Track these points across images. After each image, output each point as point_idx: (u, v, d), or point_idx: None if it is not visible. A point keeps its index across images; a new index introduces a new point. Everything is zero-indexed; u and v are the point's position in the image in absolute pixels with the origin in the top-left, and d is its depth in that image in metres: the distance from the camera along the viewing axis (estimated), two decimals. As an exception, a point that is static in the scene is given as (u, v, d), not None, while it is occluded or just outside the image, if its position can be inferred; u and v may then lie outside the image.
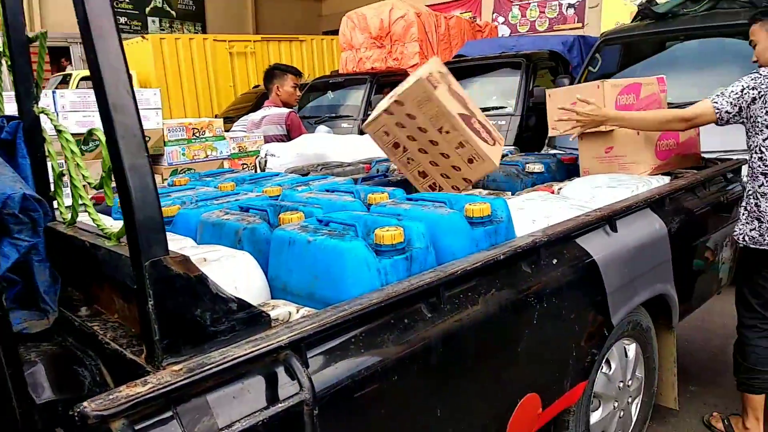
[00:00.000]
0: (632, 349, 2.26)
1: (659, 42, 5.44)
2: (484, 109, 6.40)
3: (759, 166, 2.30)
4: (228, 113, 9.22)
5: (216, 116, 9.31)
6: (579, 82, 5.49)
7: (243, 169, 3.42)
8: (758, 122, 2.26)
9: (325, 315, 1.11)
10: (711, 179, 2.68)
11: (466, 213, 1.59)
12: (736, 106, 2.28)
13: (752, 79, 2.26)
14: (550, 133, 2.90)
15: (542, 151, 4.99)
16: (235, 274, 1.36)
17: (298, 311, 1.29)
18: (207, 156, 3.37)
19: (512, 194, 2.61)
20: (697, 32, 5.05)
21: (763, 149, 2.27)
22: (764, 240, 2.30)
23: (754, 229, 2.32)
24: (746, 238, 2.36)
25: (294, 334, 1.02)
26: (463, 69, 7.04)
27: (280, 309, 1.27)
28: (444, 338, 1.34)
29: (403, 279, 1.34)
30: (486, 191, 2.64)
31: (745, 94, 2.25)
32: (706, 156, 3.01)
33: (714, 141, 3.22)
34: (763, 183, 2.29)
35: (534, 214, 1.88)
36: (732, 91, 2.29)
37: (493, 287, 1.50)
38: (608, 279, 1.88)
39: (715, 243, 2.70)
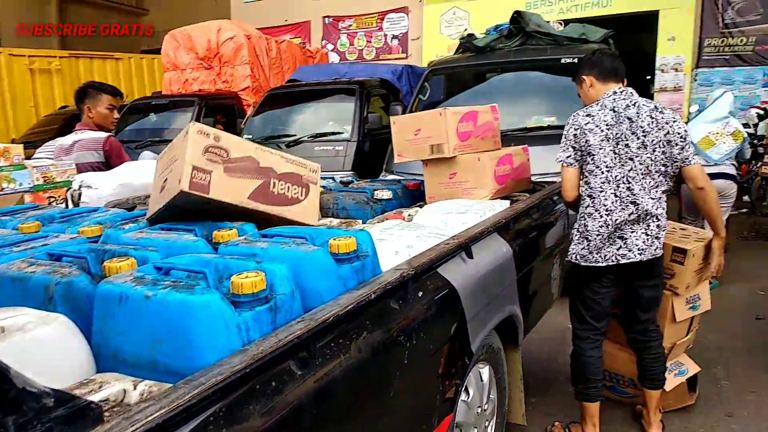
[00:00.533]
0: (486, 372, 2.27)
1: (480, 73, 5.86)
2: (320, 135, 6.50)
3: (585, 190, 2.50)
4: (28, 137, 8.05)
5: (13, 141, 8.08)
6: (411, 109, 5.71)
7: (51, 204, 2.91)
8: (583, 152, 2.46)
9: (176, 394, 0.88)
10: (542, 202, 2.87)
11: (331, 249, 1.45)
12: (570, 148, 2.51)
13: (572, 118, 2.50)
14: (396, 160, 2.89)
15: (381, 177, 5.06)
16: (46, 347, 1.05)
17: (135, 387, 1.03)
18: (2, 189, 2.81)
19: (363, 222, 2.54)
20: (512, 65, 5.54)
21: (587, 174, 2.48)
22: (592, 257, 2.49)
23: (584, 248, 2.51)
24: (577, 257, 2.54)
25: (137, 428, 0.78)
26: (298, 94, 6.96)
27: (111, 388, 1.01)
28: (316, 396, 1.17)
29: (268, 333, 1.15)
30: (337, 220, 2.53)
31: (569, 132, 2.47)
32: (534, 179, 3.24)
33: (538, 165, 3.48)
34: (588, 205, 2.48)
35: (395, 245, 1.81)
36: (564, 136, 2.52)
37: (365, 330, 1.37)
38: (468, 307, 1.87)
39: (549, 261, 2.89)
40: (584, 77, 2.55)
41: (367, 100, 6.72)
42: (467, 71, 5.89)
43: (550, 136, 4.46)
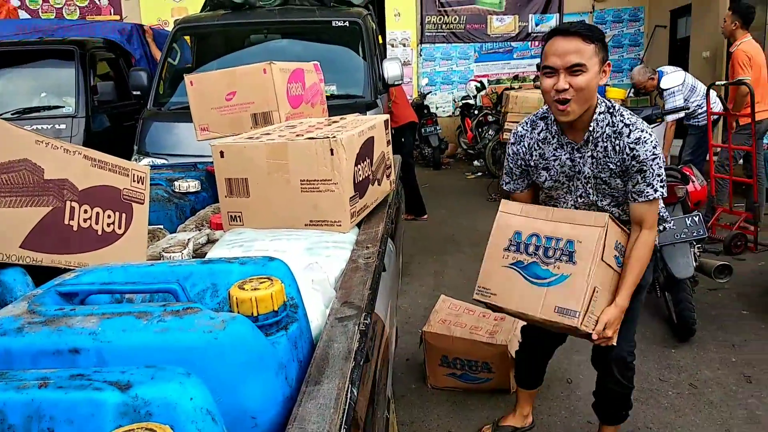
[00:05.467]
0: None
1: (240, 34, 5.07)
2: (31, 110, 4.91)
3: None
4: None
5: None
6: (160, 76, 4.64)
7: None
8: None
9: None
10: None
11: (243, 309, 0.72)
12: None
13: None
14: (200, 136, 2.07)
15: (133, 160, 3.97)
16: None
17: None
18: None
19: (170, 231, 1.72)
20: (278, 26, 4.90)
21: None
22: None
23: None
24: None
25: None
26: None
27: None
28: None
29: None
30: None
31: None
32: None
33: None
34: None
35: (297, 264, 1.11)
36: None
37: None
38: (390, 342, 1.30)
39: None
40: None
41: (92, 65, 5.33)
42: (224, 31, 5.03)
43: (332, 105, 4.01)
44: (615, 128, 1.78)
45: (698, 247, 3.46)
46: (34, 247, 0.92)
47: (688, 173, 3.76)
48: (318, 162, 1.34)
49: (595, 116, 1.78)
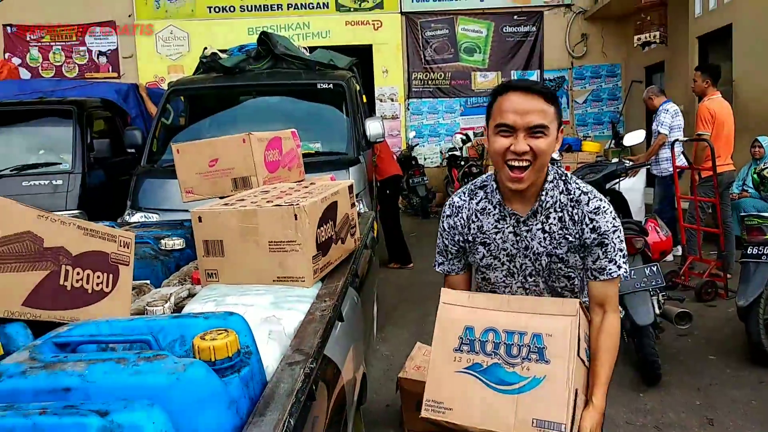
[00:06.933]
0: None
1: (231, 95, 5.36)
2: (30, 166, 5.13)
3: None
4: None
5: None
6: (154, 135, 4.90)
7: None
8: None
9: None
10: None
11: (202, 356, 0.90)
12: None
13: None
14: (185, 198, 2.28)
15: (126, 216, 4.16)
16: None
17: None
18: None
19: (155, 286, 1.90)
20: (266, 89, 5.19)
21: None
22: None
23: None
24: None
25: None
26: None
27: None
28: None
29: None
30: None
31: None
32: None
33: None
34: None
35: (254, 318, 1.29)
36: None
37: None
38: (347, 380, 1.46)
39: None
40: None
41: (89, 124, 5.59)
42: (216, 93, 5.32)
43: (317, 162, 4.25)
44: (571, 196, 1.57)
45: (662, 295, 3.65)
46: (34, 304, 1.10)
47: (653, 224, 3.99)
48: (284, 225, 1.53)
49: (545, 185, 1.56)
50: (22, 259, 1.10)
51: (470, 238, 1.64)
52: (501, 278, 1.65)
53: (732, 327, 4.18)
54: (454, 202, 1.68)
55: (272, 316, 1.25)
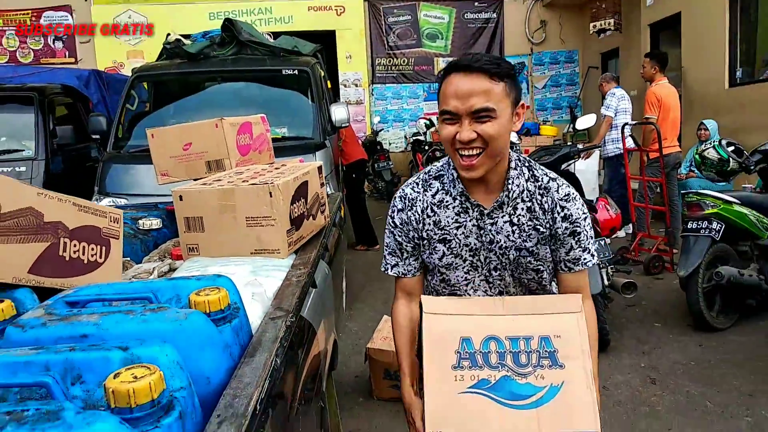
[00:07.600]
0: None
1: (196, 82, 5.39)
2: (-8, 154, 5.08)
3: None
4: None
5: None
6: (119, 121, 4.91)
7: None
8: None
9: None
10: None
11: (199, 308, 1.04)
12: None
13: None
14: (161, 181, 2.39)
15: (94, 200, 4.20)
16: None
17: None
18: None
19: (136, 262, 2.01)
20: (231, 74, 5.25)
21: None
22: None
23: None
24: None
25: None
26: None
27: None
28: None
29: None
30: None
31: None
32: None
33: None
34: None
35: (237, 283, 1.44)
36: None
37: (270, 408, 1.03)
38: (321, 344, 1.62)
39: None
40: None
41: (51, 110, 5.55)
42: (181, 79, 5.35)
43: (285, 147, 4.36)
44: (539, 183, 1.43)
45: (611, 268, 3.92)
46: (38, 272, 1.22)
47: (603, 203, 4.25)
48: (259, 203, 1.67)
49: (510, 172, 1.41)
50: (25, 232, 1.22)
51: (425, 235, 1.46)
52: (462, 276, 1.48)
53: (677, 297, 4.50)
54: (406, 194, 1.49)
55: (254, 280, 1.40)
